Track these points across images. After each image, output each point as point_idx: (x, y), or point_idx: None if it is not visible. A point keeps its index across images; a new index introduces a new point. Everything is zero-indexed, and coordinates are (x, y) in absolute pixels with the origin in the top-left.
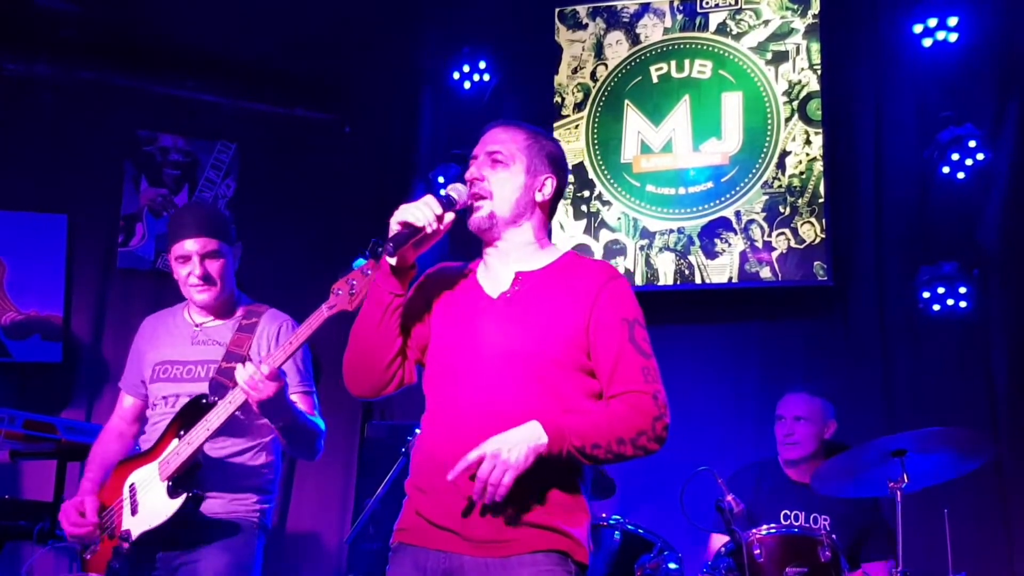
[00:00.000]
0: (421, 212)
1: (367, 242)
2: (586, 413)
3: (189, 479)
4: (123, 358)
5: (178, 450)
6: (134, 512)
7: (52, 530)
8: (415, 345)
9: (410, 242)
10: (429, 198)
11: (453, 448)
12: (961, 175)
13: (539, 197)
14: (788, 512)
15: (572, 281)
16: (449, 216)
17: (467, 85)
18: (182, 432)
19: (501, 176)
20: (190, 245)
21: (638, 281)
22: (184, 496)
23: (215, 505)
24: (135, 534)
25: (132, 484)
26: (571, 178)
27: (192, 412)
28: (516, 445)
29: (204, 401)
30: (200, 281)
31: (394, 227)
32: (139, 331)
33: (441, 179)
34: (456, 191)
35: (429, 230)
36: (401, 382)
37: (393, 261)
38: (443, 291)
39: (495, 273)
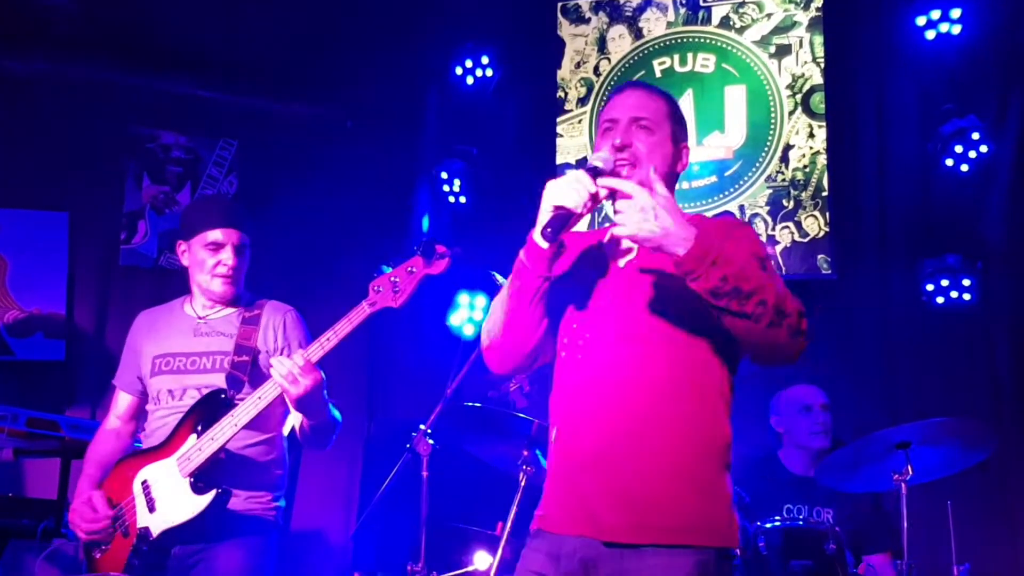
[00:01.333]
0: (576, 193)
1: (369, 238)
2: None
3: (213, 475)
4: None
5: (200, 446)
6: (151, 509)
7: (57, 528)
8: (554, 323)
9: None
10: (582, 175)
11: (586, 425)
12: (964, 167)
13: (679, 167)
14: (791, 506)
15: None
16: (603, 192)
17: (470, 80)
18: (200, 427)
19: (649, 143)
20: (226, 234)
21: None
22: (214, 492)
23: (233, 502)
24: (155, 531)
25: (144, 481)
26: None
27: (209, 407)
28: (669, 212)
29: (223, 396)
30: (231, 271)
31: (547, 209)
32: (134, 327)
33: (444, 175)
34: (601, 160)
35: (584, 211)
36: (543, 360)
37: (546, 245)
38: (573, 265)
39: (621, 242)
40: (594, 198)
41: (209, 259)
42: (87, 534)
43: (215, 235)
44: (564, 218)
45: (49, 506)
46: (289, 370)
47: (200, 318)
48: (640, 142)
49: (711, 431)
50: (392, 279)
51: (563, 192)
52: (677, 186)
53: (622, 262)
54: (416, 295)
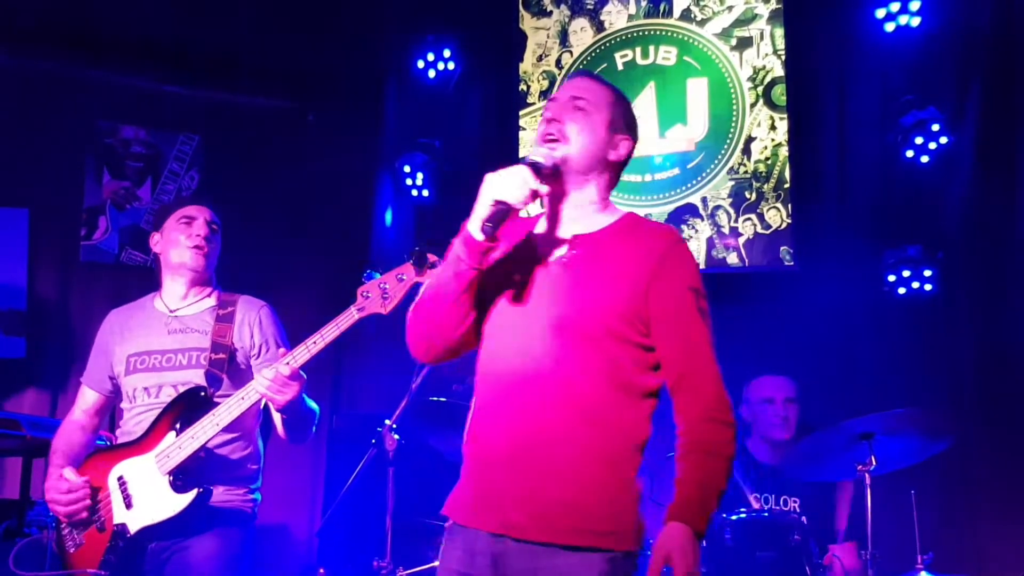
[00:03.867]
0: (519, 191)
1: (331, 233)
2: (693, 485)
3: (193, 473)
4: (87, 353)
5: (180, 444)
6: (128, 506)
7: (19, 528)
8: (481, 312)
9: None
10: (525, 172)
11: (501, 419)
12: (925, 159)
13: (612, 156)
14: (758, 495)
15: (632, 244)
16: (544, 189)
17: (432, 74)
18: (178, 425)
19: (581, 122)
20: (198, 210)
21: None
22: (195, 492)
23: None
24: (133, 528)
25: (120, 476)
26: None
27: (188, 405)
28: (690, 553)
29: (203, 394)
30: (203, 241)
31: (487, 203)
32: (104, 325)
33: (407, 168)
34: (539, 155)
35: (523, 208)
36: (468, 349)
37: (483, 239)
38: (506, 253)
39: (552, 234)
40: (535, 195)
41: (183, 233)
42: (67, 506)
43: (188, 210)
44: (504, 213)
45: (12, 506)
46: (273, 381)
47: (172, 311)
48: (572, 121)
49: (631, 433)
50: (381, 285)
51: (505, 187)
52: (640, 178)
53: (555, 255)
54: (405, 302)
